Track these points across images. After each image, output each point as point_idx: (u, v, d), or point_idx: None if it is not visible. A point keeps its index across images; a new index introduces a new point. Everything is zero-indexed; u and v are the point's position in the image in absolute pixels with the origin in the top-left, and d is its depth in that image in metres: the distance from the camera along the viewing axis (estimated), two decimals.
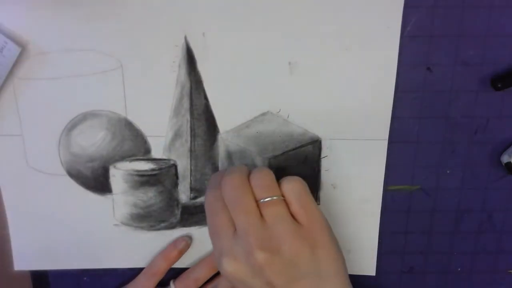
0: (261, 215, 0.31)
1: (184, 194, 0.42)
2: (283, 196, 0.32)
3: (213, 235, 0.33)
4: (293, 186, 0.32)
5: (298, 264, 0.31)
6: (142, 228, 0.43)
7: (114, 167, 0.41)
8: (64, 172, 0.41)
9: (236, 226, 0.31)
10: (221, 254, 0.32)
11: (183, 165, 0.41)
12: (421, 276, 0.45)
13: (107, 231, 0.43)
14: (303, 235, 0.31)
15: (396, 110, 0.40)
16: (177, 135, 0.41)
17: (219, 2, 0.37)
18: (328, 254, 0.32)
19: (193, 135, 0.41)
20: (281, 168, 0.40)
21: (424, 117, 0.40)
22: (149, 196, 0.41)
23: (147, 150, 0.41)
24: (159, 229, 0.43)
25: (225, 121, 0.40)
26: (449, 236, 0.43)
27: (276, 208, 0.31)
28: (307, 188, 0.33)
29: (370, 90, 0.39)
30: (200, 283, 0.43)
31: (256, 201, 0.32)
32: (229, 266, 0.31)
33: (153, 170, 0.41)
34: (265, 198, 0.31)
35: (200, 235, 0.43)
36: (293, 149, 0.40)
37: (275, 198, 0.32)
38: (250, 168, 0.34)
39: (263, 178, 0.32)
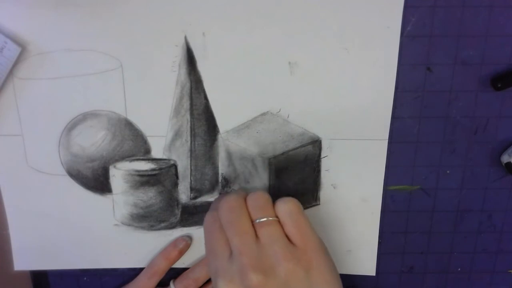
0: (257, 236, 0.32)
1: (184, 194, 0.42)
2: (277, 217, 0.32)
3: (210, 256, 0.33)
4: (287, 207, 0.32)
5: (292, 286, 0.30)
6: (142, 228, 0.43)
7: (114, 167, 0.41)
8: (64, 172, 0.41)
9: (231, 247, 0.32)
10: (217, 275, 0.32)
11: (183, 165, 0.41)
12: (421, 276, 0.45)
13: (107, 231, 0.43)
14: (297, 256, 0.31)
15: (396, 110, 0.40)
16: (177, 135, 0.41)
17: (219, 2, 0.37)
18: (323, 276, 0.31)
19: (193, 135, 0.41)
20: (281, 168, 0.40)
21: (424, 117, 0.40)
22: (149, 196, 0.41)
23: (147, 150, 0.41)
24: (159, 229, 0.43)
25: (225, 121, 0.40)
26: (449, 236, 0.43)
27: (270, 228, 0.32)
28: (301, 209, 0.33)
29: (370, 90, 0.39)
30: (200, 283, 0.43)
31: (252, 223, 0.32)
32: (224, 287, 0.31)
33: (153, 170, 0.41)
34: (260, 219, 0.32)
35: (200, 235, 0.43)
36: (293, 149, 0.40)
37: (270, 219, 0.32)
38: (248, 192, 0.34)
39: (259, 199, 0.33)
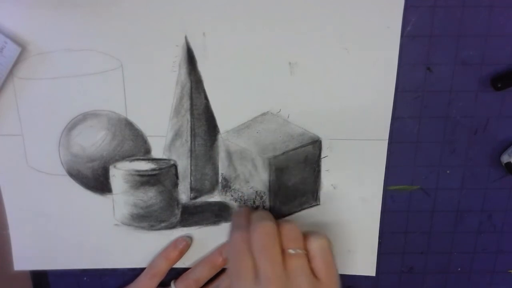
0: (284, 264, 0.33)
1: (184, 194, 0.42)
2: (306, 250, 0.34)
3: (235, 276, 0.34)
4: (319, 244, 0.34)
5: None
6: (142, 228, 0.43)
7: (114, 167, 0.41)
8: (64, 172, 0.41)
9: (260, 272, 0.33)
10: None
11: (183, 165, 0.41)
12: (421, 276, 0.45)
13: (107, 231, 0.43)
14: None
15: (396, 110, 0.40)
16: (177, 135, 0.41)
17: (219, 2, 0.37)
18: None
19: (193, 135, 0.41)
20: (281, 168, 0.40)
21: (424, 117, 0.40)
22: (149, 196, 0.41)
23: (147, 150, 0.41)
24: (159, 229, 0.43)
25: (225, 121, 0.40)
26: (449, 236, 0.43)
27: (300, 261, 0.33)
28: (331, 246, 0.35)
29: (370, 90, 0.39)
30: (201, 283, 0.43)
31: (282, 251, 0.34)
32: None
33: (153, 170, 0.41)
34: (291, 249, 0.33)
35: (200, 235, 0.43)
36: (293, 149, 0.40)
37: (299, 251, 0.33)
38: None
39: (293, 230, 0.35)
